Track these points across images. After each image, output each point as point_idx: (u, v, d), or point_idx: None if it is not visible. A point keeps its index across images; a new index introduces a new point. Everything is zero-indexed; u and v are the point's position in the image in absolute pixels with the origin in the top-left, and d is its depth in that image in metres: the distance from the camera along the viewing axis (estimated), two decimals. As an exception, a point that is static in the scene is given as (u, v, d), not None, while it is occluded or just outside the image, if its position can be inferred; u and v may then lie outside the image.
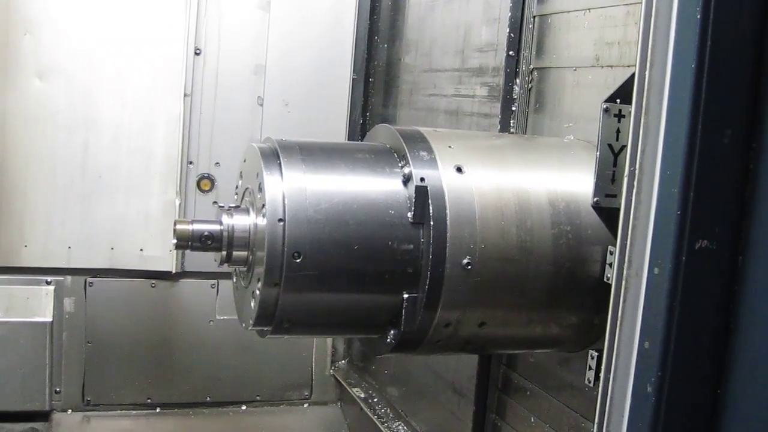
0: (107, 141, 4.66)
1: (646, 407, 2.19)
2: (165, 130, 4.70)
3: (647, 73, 2.27)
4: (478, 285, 2.59)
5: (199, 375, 4.97)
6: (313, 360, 5.17)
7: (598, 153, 2.49)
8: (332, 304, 2.67)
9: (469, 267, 2.57)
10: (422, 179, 2.59)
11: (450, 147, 2.73)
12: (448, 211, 2.57)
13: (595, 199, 2.54)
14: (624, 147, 2.47)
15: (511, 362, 3.52)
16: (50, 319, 4.60)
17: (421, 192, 2.57)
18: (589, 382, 2.63)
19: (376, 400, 4.65)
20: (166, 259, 4.78)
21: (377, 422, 4.41)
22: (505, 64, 3.53)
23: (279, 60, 4.85)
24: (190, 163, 4.77)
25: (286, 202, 2.52)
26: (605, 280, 2.54)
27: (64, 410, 4.79)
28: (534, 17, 3.47)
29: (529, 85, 3.47)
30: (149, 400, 4.91)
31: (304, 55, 4.90)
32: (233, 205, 2.78)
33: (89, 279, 4.76)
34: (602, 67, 3.04)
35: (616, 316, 2.33)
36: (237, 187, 2.90)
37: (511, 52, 3.52)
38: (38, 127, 4.56)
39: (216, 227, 2.66)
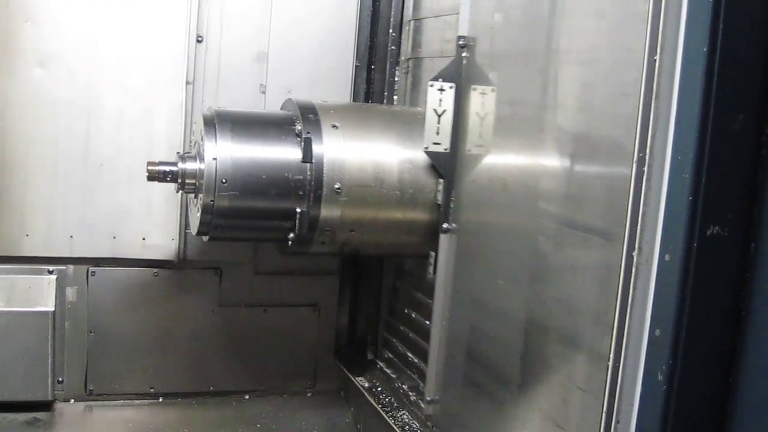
0: (109, 129, 4.62)
1: (657, 395, 2.18)
2: (167, 118, 4.66)
3: (657, 57, 2.25)
4: (347, 202, 3.86)
5: (202, 364, 4.95)
6: (317, 349, 5.15)
7: (427, 114, 3.64)
8: (249, 214, 3.87)
9: (339, 190, 3.84)
10: (308, 132, 3.86)
11: (330, 112, 4.00)
12: (324, 153, 3.84)
13: (425, 146, 3.70)
14: (445, 111, 3.62)
15: (397, 274, 4.83)
16: (52, 309, 4.57)
17: (308, 141, 3.83)
18: (429, 274, 3.90)
19: (380, 389, 4.63)
20: (168, 248, 4.75)
21: (381, 411, 4.40)
22: (389, 55, 4.78)
23: (282, 47, 4.82)
24: (192, 151, 4.74)
25: (218, 150, 3.77)
26: (437, 202, 3.82)
27: (67, 400, 4.77)
28: (410, 21, 4.67)
29: (406, 71, 4.71)
30: (152, 390, 4.89)
31: (307, 43, 4.86)
32: (187, 152, 4.06)
33: (91, 268, 4.73)
34: (443, 57, 4.07)
35: (626, 303, 2.31)
36: (191, 140, 4.24)
37: (392, 47, 4.77)
38: (39, 116, 4.52)
39: (174, 168, 3.90)
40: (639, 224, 2.26)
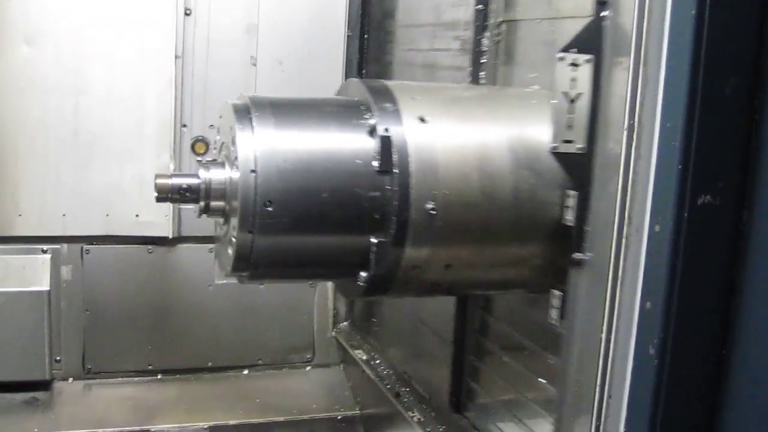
0: (99, 106, 4.56)
1: (649, 370, 2.14)
2: (157, 93, 4.60)
3: (645, 22, 2.19)
4: (443, 229, 2.70)
5: (199, 340, 4.93)
6: (315, 322, 5.13)
7: (554, 101, 2.58)
8: (304, 248, 2.77)
9: (433, 212, 2.67)
10: (386, 129, 2.69)
11: (414, 99, 2.83)
12: (410, 159, 2.67)
13: (553, 145, 2.63)
14: (580, 95, 2.54)
15: (487, 305, 3.59)
16: (48, 288, 4.54)
17: (386, 142, 2.66)
18: (552, 319, 2.69)
19: (378, 361, 4.61)
20: (162, 225, 4.71)
21: (379, 383, 4.38)
22: (474, 17, 3.54)
23: (271, 18, 4.74)
24: (184, 125, 4.68)
25: (257, 154, 2.63)
26: (564, 222, 2.64)
27: (65, 379, 4.76)
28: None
29: (498, 38, 3.47)
30: (150, 367, 4.88)
31: (298, 13, 4.79)
32: (211, 159, 2.94)
33: (85, 246, 4.69)
34: (558, 18, 3.07)
35: (617, 275, 2.27)
36: (215, 142, 3.01)
37: (479, 6, 3.51)
38: (28, 94, 4.46)
39: (194, 180, 2.78)
40: (629, 194, 2.21)
